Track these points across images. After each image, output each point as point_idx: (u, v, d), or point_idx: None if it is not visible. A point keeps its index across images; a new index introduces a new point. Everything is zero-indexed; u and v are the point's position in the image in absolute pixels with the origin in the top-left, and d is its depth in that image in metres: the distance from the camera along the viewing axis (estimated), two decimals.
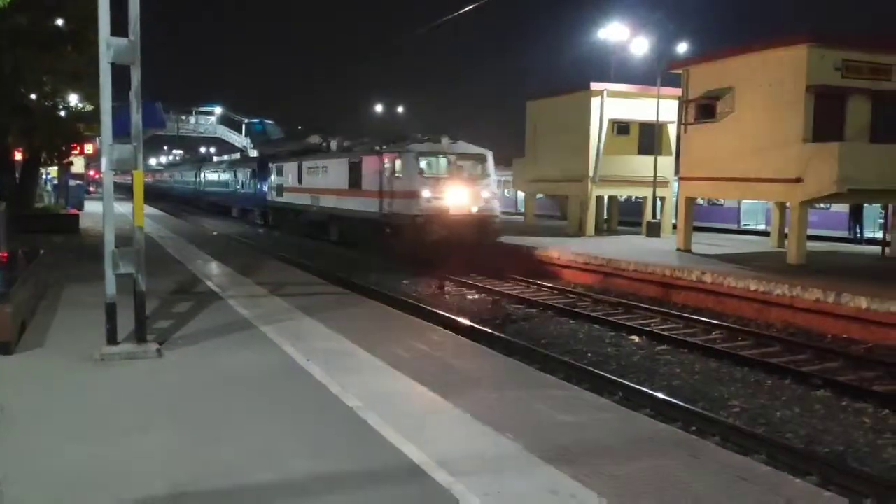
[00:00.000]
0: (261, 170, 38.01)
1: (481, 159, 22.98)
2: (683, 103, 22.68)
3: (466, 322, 13.65)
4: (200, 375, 7.68)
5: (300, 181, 31.13)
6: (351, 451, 5.55)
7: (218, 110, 70.25)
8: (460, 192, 21.49)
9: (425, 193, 21.14)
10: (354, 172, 25.41)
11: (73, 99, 25.89)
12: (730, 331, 13.35)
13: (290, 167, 32.78)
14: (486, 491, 4.82)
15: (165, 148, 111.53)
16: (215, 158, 65.56)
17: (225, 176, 46.49)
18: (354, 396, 6.84)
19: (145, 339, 8.47)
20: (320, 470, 5.20)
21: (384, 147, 23.77)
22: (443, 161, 22.46)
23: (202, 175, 53.82)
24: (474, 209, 21.60)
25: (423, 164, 22.12)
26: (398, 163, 22.24)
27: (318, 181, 29.04)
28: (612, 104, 26.41)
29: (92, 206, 35.93)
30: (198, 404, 6.73)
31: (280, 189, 34.03)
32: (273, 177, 35.34)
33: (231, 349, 8.75)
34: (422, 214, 20.90)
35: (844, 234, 26.51)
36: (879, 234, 23.62)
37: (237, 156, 57.38)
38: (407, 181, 21.66)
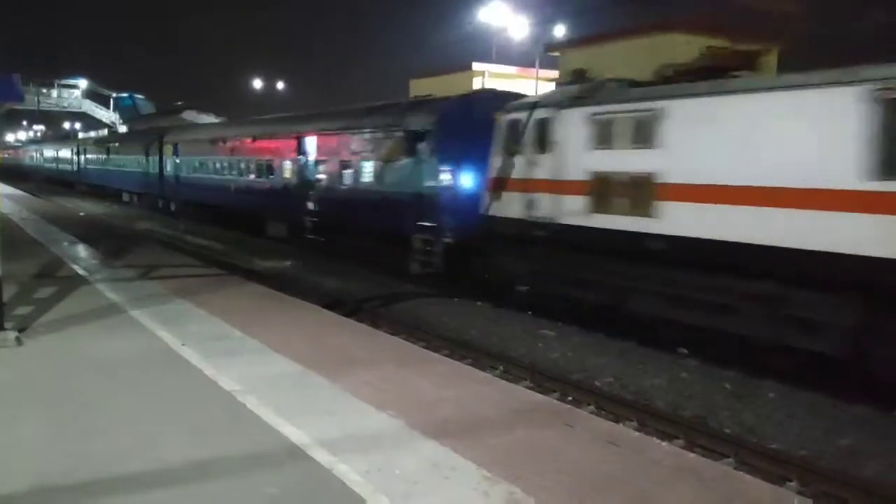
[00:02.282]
0: (447, 136, 14.57)
1: None
2: (559, 85, 23.28)
3: None
4: (66, 364, 7.29)
5: None
6: (229, 436, 5.43)
7: (83, 84, 65.84)
8: None
9: None
10: None
11: None
12: None
13: None
14: (368, 468, 4.84)
15: (25, 123, 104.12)
16: (211, 120, 34.58)
17: (253, 159, 22.37)
18: (232, 379, 6.69)
19: (3, 326, 8.00)
20: (197, 456, 5.06)
21: None
22: None
23: (170, 155, 29.58)
24: None
25: None
26: None
27: None
28: (493, 85, 26.82)
29: None
30: (64, 394, 6.38)
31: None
32: (594, 146, 11.30)
33: (100, 335, 8.35)
34: None
35: None
36: None
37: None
38: None
